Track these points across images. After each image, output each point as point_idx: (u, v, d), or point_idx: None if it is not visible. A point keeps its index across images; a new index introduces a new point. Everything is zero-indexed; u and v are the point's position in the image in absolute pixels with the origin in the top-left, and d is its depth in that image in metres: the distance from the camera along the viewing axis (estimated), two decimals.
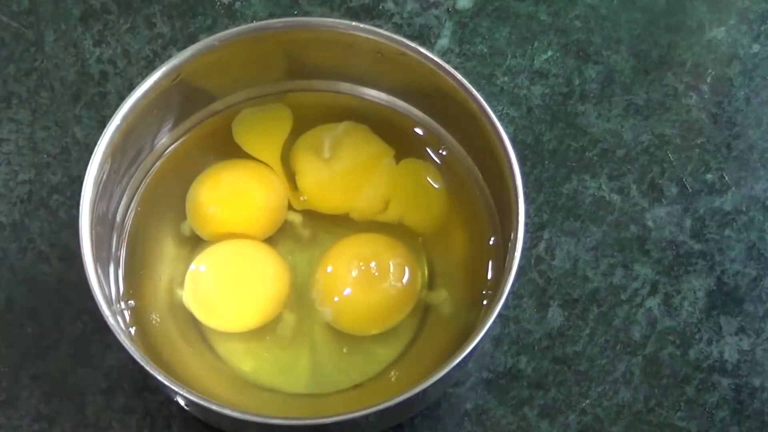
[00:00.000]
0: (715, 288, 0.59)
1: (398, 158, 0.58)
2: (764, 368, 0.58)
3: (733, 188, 0.62)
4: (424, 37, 0.65)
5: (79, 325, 0.58)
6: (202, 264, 0.56)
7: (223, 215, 0.57)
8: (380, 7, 0.66)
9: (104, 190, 0.52)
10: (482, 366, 0.57)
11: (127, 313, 0.54)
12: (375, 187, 0.57)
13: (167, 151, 0.58)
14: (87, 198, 0.51)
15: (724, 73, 0.65)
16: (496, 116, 0.52)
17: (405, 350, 0.55)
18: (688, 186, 0.62)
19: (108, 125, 0.52)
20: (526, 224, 0.50)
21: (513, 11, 0.66)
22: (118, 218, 0.56)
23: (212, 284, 0.55)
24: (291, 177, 0.58)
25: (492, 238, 0.55)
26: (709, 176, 0.62)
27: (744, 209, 0.61)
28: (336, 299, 0.55)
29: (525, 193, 0.50)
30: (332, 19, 0.58)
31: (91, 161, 0.51)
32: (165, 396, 0.56)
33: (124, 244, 0.56)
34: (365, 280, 0.54)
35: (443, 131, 0.58)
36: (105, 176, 0.52)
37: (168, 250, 0.57)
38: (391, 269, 0.55)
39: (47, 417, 0.56)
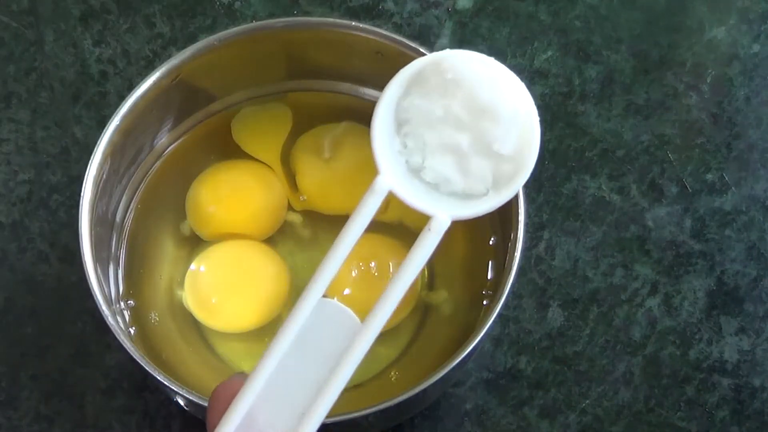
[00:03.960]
0: (715, 288, 0.59)
1: None
2: (764, 368, 0.58)
3: (733, 188, 0.62)
4: (424, 37, 0.65)
5: (79, 325, 0.58)
6: (202, 264, 0.56)
7: (223, 215, 0.57)
8: (380, 7, 0.66)
9: (104, 190, 0.52)
10: (482, 366, 0.57)
11: (127, 313, 0.54)
12: None
13: (167, 151, 0.58)
14: (87, 198, 0.51)
15: (724, 73, 0.65)
16: None
17: (405, 350, 0.55)
18: (688, 186, 0.62)
19: (108, 125, 0.52)
20: (526, 224, 0.50)
21: (513, 11, 0.66)
22: (118, 218, 0.56)
23: (212, 284, 0.55)
24: (291, 177, 0.58)
25: (492, 238, 0.55)
26: (709, 176, 0.62)
27: (744, 209, 0.61)
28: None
29: (525, 193, 0.51)
30: (332, 19, 0.58)
31: (90, 161, 0.51)
32: (165, 396, 0.56)
33: (124, 244, 0.56)
34: (365, 280, 0.54)
35: None
36: (105, 176, 0.52)
37: (168, 250, 0.57)
38: (391, 269, 0.55)
39: (47, 417, 0.56)
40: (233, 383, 0.34)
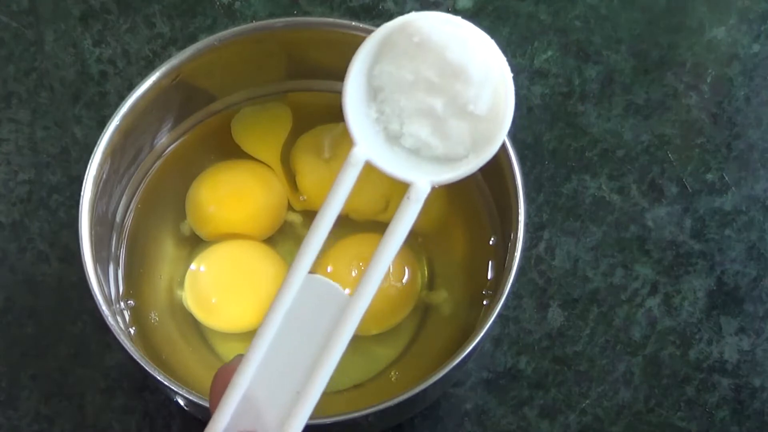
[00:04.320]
0: (715, 288, 0.59)
1: None
2: (764, 368, 0.58)
3: (733, 188, 0.62)
4: None
5: (79, 325, 0.58)
6: (202, 264, 0.56)
7: (223, 215, 0.57)
8: (380, 7, 0.66)
9: (104, 190, 0.53)
10: (482, 366, 0.57)
11: (127, 313, 0.54)
12: (375, 187, 0.57)
13: (167, 151, 0.58)
14: (87, 198, 0.51)
15: (724, 73, 0.65)
16: None
17: (405, 350, 0.55)
18: (688, 186, 0.62)
19: (108, 125, 0.52)
20: (526, 224, 0.50)
21: (513, 11, 0.66)
22: (118, 218, 0.56)
23: (212, 284, 0.55)
24: (291, 177, 0.58)
25: (492, 238, 0.55)
26: (709, 176, 0.62)
27: (744, 209, 0.61)
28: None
29: (525, 193, 0.50)
30: (332, 19, 0.58)
31: (90, 161, 0.51)
32: (165, 396, 0.56)
33: (124, 244, 0.56)
34: None
35: None
36: (105, 176, 0.52)
37: (168, 250, 0.57)
38: (391, 269, 0.55)
39: (47, 417, 0.56)
40: (234, 365, 0.34)
